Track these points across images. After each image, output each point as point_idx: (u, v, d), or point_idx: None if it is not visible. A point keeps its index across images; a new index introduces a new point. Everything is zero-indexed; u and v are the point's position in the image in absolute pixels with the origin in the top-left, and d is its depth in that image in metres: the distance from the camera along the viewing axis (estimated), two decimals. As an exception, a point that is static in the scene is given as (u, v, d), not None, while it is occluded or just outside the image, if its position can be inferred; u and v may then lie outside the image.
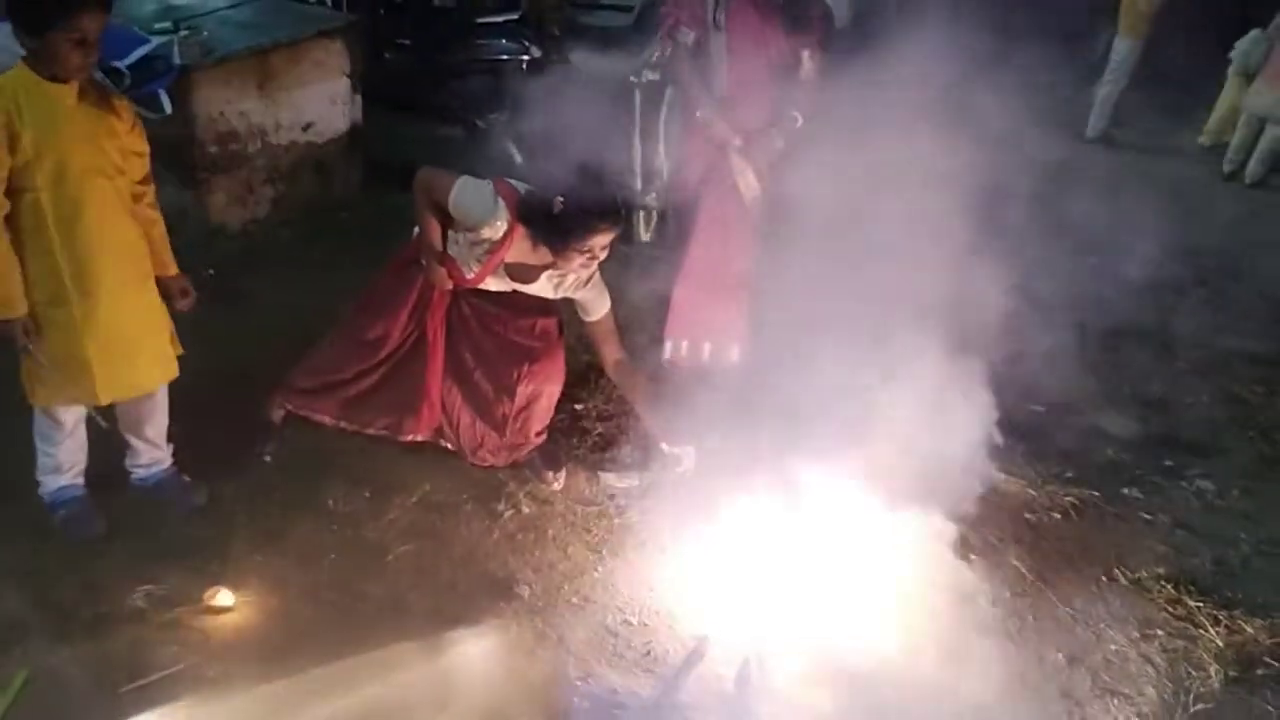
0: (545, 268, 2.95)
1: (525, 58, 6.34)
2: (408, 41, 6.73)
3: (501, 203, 2.83)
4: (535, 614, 2.73)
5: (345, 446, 3.28)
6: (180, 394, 2.98)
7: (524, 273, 2.99)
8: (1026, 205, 4.29)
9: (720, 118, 3.46)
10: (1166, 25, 8.15)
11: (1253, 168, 7.62)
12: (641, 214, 4.88)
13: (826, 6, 3.58)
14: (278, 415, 3.26)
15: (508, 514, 3.10)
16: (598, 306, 3.07)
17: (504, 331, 3.14)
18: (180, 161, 4.57)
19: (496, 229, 2.84)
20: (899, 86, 3.15)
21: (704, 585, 2.81)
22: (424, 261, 2.99)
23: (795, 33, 3.40)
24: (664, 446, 3.16)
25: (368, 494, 3.13)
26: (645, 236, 4.93)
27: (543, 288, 3.02)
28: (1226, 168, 7.94)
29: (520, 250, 2.90)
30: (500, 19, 6.54)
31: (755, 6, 3.37)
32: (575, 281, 2.99)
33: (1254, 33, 7.57)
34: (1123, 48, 8.50)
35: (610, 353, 3.18)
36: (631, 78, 4.60)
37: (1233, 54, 7.73)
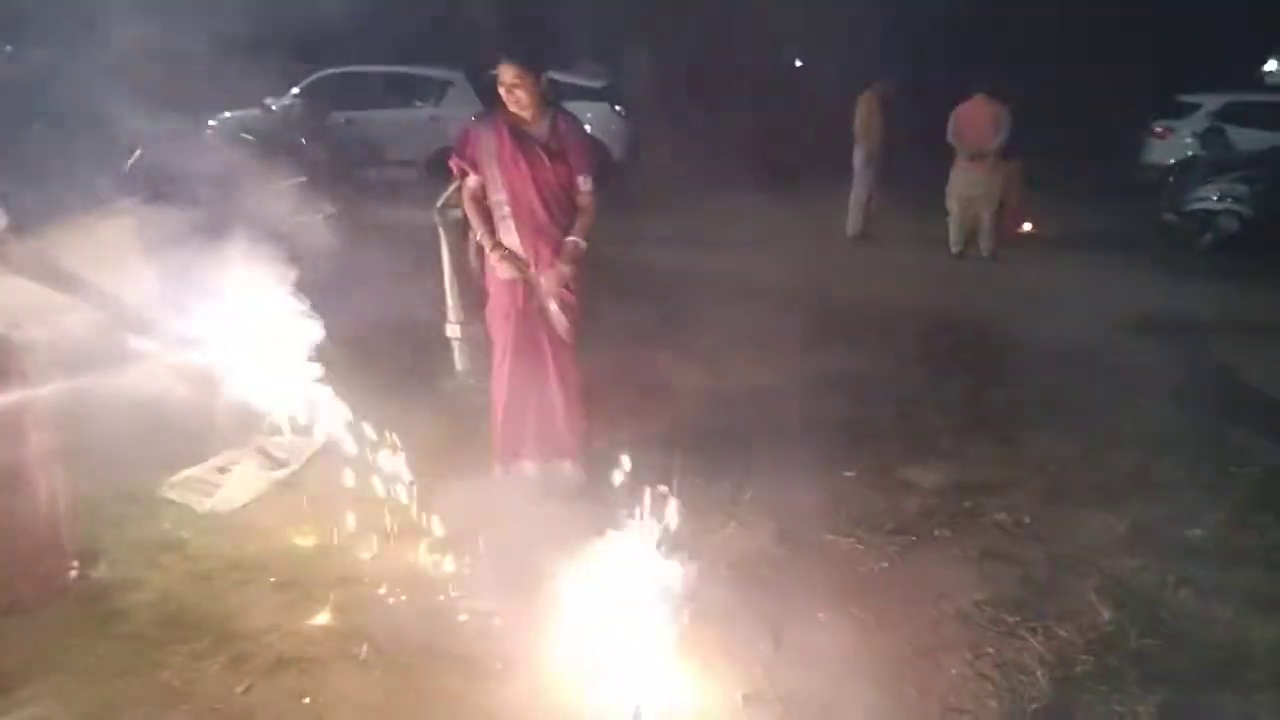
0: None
1: (321, 215, 6.42)
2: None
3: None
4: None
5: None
6: None
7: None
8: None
9: (507, 256, 3.68)
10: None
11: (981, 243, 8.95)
12: (456, 345, 5.00)
13: (586, 134, 3.82)
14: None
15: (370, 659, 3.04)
16: None
17: None
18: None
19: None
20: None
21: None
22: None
23: (559, 163, 3.65)
24: None
25: (217, 665, 2.98)
26: (460, 366, 5.03)
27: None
28: (953, 248, 9.20)
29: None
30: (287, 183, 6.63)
31: (520, 143, 3.62)
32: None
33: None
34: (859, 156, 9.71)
35: None
36: (435, 216, 4.80)
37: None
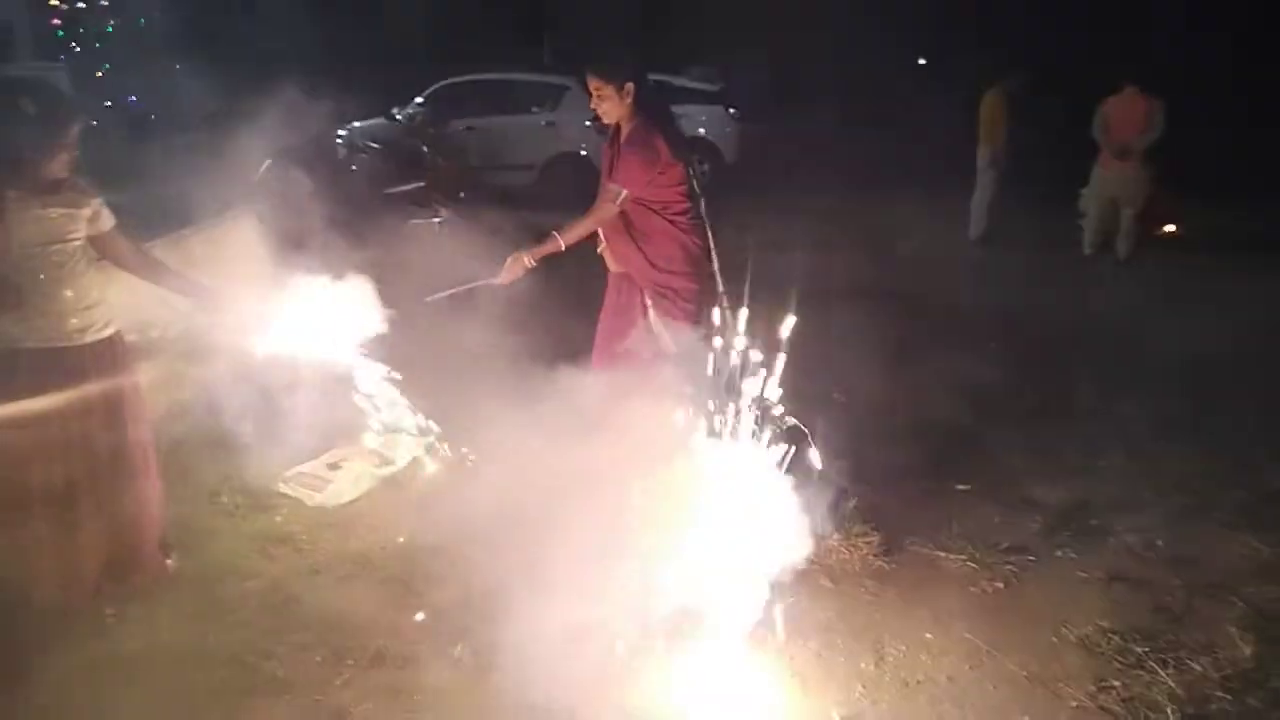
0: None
1: (436, 220, 6.58)
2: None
3: None
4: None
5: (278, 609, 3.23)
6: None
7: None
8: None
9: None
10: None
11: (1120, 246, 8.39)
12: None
13: (643, 148, 3.67)
14: None
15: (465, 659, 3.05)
16: None
17: None
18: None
19: None
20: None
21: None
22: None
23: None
24: None
25: (319, 658, 3.05)
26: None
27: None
28: (1087, 250, 8.67)
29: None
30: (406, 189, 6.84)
31: (608, 149, 3.81)
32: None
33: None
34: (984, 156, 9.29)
35: None
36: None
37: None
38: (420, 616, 3.14)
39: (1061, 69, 12.07)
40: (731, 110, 12.96)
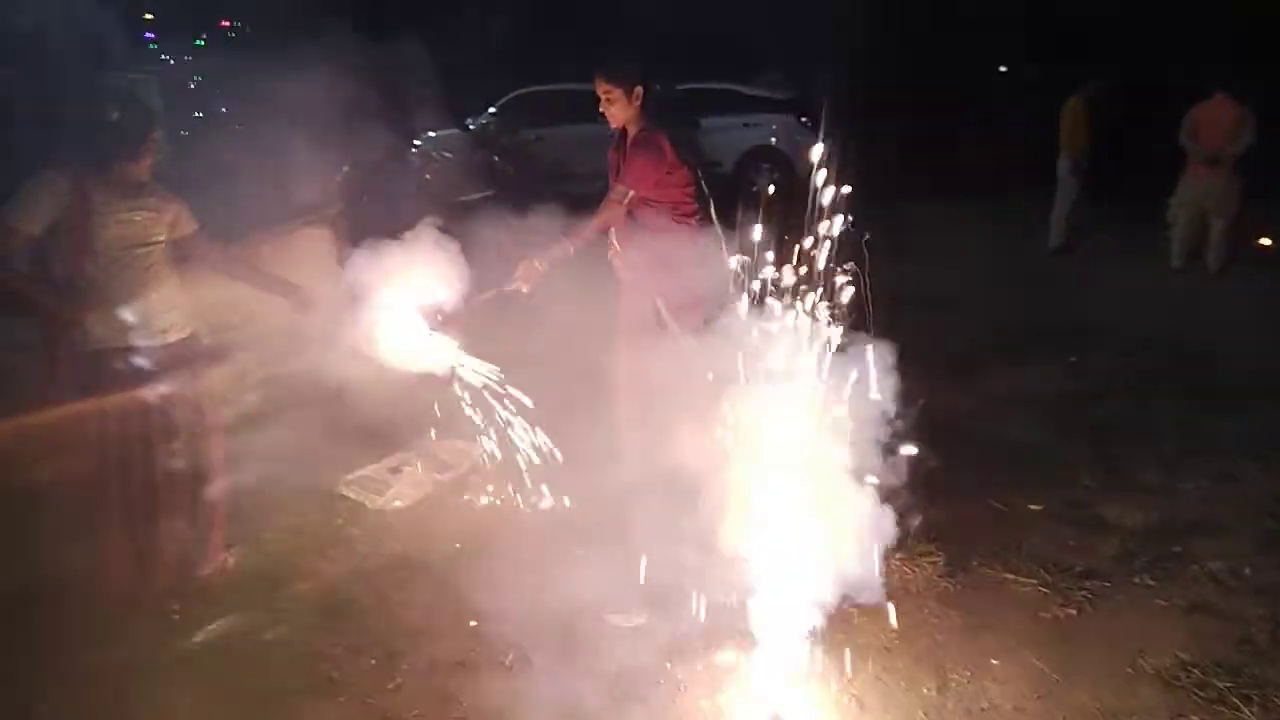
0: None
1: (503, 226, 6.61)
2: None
3: None
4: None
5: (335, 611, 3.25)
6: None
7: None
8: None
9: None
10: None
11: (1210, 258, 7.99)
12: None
13: (650, 152, 3.67)
14: None
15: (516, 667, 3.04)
16: None
17: None
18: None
19: None
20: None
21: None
22: None
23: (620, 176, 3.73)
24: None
25: (373, 660, 3.06)
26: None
27: None
28: (1175, 262, 8.29)
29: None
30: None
31: (612, 154, 3.84)
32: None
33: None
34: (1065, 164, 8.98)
35: None
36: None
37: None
38: (473, 624, 3.13)
39: (1148, 75, 11.65)
40: (803, 119, 12.82)
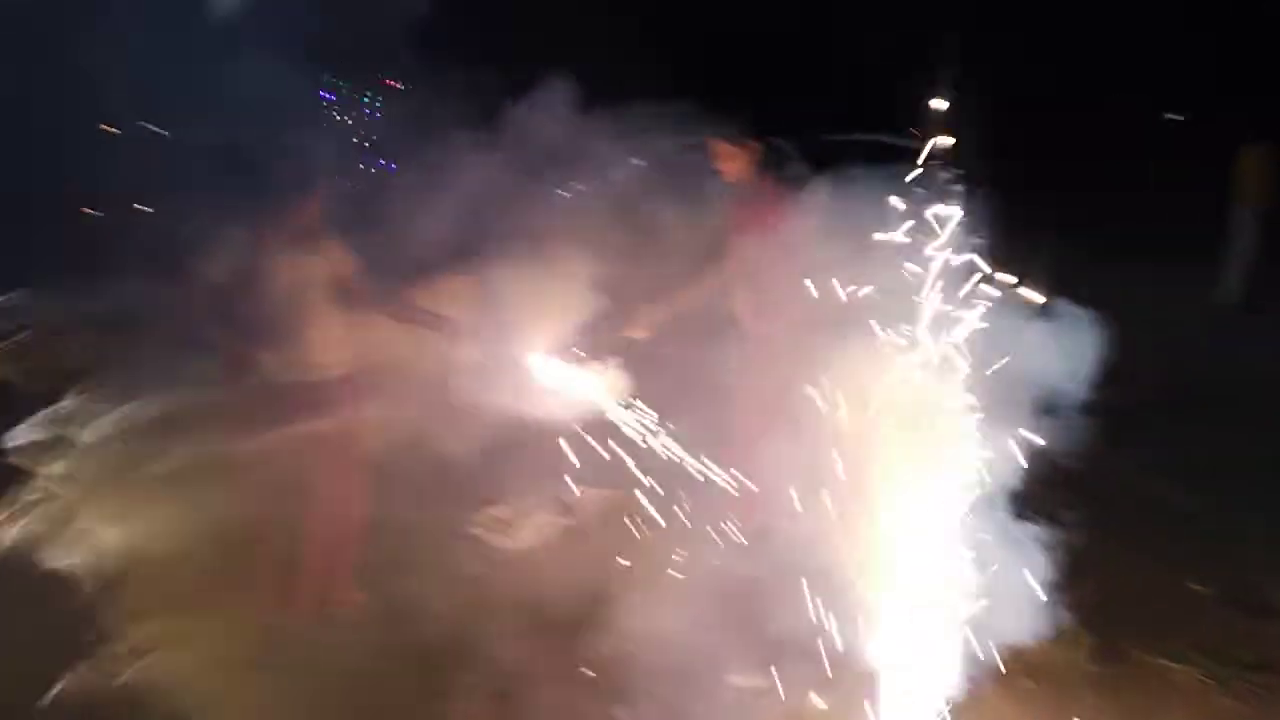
0: None
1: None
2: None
3: None
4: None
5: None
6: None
7: None
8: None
9: None
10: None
11: None
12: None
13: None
14: None
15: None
16: None
17: None
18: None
19: None
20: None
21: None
22: None
23: None
24: None
25: (488, 702, 3.07)
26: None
27: None
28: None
29: None
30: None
31: None
32: None
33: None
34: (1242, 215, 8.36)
35: None
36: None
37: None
38: (590, 674, 3.11)
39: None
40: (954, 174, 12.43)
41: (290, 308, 3.28)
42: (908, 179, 3.09)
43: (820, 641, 2.82)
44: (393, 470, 4.26)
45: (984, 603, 2.64)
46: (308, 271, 3.30)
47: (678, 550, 3.75)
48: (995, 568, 2.62)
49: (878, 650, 2.66)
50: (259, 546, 3.54)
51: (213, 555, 3.55)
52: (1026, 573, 2.67)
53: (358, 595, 3.57)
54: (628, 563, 3.71)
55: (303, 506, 3.44)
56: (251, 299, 3.25)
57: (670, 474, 3.72)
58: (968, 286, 2.78)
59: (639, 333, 3.75)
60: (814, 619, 2.87)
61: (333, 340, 3.38)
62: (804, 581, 3.18)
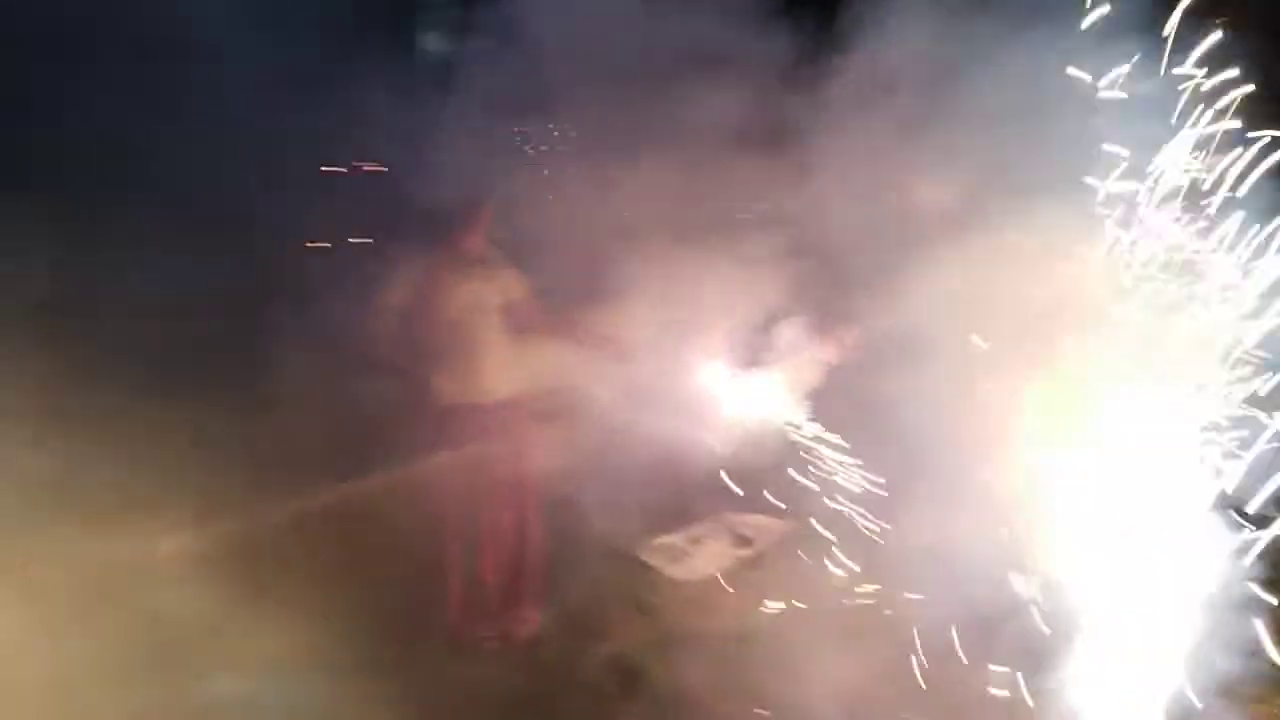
0: None
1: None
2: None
3: None
4: None
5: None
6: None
7: None
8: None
9: None
10: None
11: None
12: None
13: None
14: None
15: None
16: None
17: None
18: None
19: None
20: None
21: None
22: None
23: None
24: None
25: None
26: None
27: None
28: None
29: None
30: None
31: None
32: None
33: None
34: None
35: None
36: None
37: None
38: (764, 712, 2.99)
39: None
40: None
41: (461, 331, 3.36)
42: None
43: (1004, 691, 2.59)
44: (565, 495, 4.30)
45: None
46: (479, 295, 3.37)
47: (858, 589, 3.57)
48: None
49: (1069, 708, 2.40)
50: (436, 568, 3.62)
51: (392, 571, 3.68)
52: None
53: (534, 618, 3.60)
54: (804, 604, 3.57)
55: (478, 528, 3.50)
56: (426, 322, 3.35)
57: (857, 507, 3.56)
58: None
59: (830, 351, 3.59)
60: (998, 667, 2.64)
61: (504, 363, 3.43)
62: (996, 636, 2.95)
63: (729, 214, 4.04)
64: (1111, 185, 2.50)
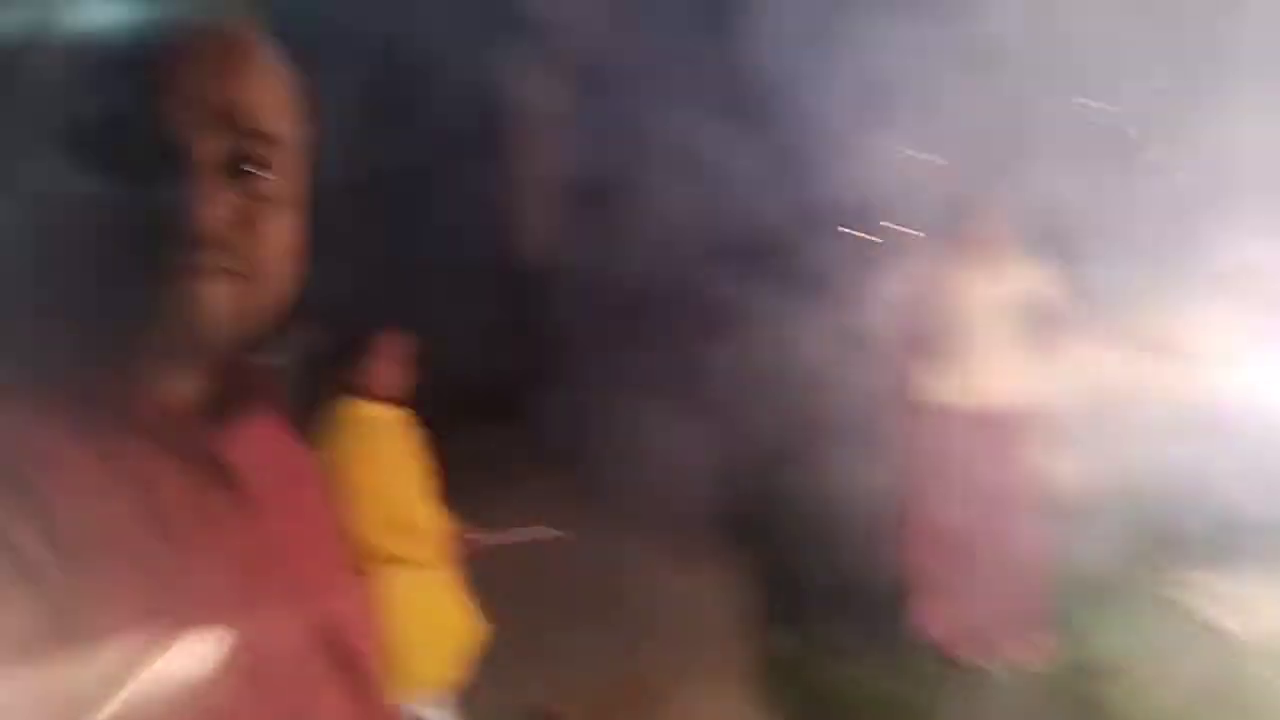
0: None
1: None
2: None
3: None
4: None
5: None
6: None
7: None
8: None
9: None
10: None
11: None
12: None
13: None
14: None
15: None
16: None
17: None
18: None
19: None
20: None
21: None
22: None
23: None
24: None
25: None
26: None
27: None
28: None
29: None
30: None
31: None
32: None
33: None
34: None
35: None
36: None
37: None
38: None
39: None
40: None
41: (960, 328, 3.20)
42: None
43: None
44: (1094, 519, 3.95)
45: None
46: (985, 291, 3.18)
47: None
48: None
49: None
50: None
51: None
52: None
53: (1049, 643, 3.40)
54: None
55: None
56: (919, 318, 3.27)
57: None
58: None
59: None
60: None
61: (1004, 366, 3.21)
62: None
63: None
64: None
